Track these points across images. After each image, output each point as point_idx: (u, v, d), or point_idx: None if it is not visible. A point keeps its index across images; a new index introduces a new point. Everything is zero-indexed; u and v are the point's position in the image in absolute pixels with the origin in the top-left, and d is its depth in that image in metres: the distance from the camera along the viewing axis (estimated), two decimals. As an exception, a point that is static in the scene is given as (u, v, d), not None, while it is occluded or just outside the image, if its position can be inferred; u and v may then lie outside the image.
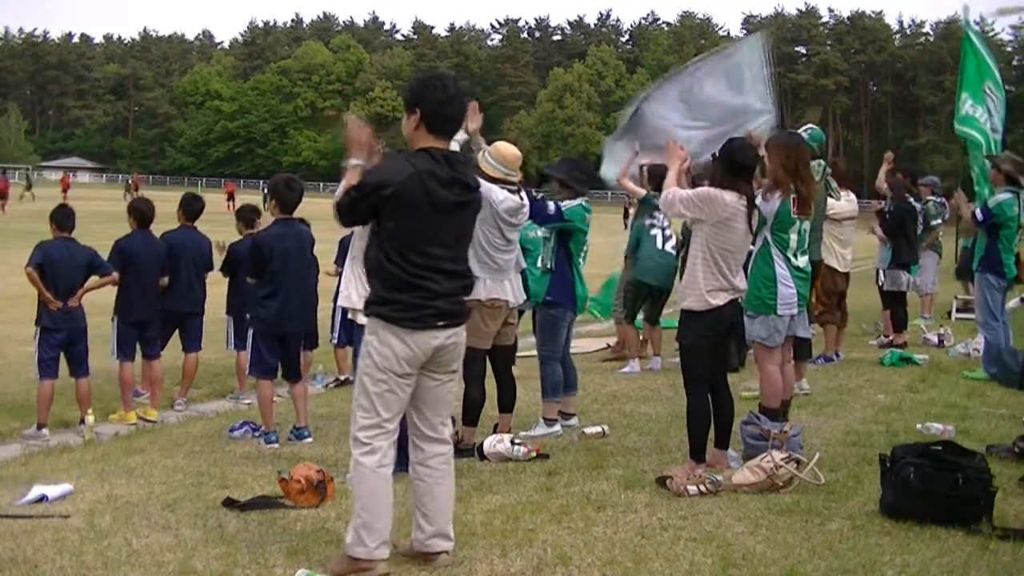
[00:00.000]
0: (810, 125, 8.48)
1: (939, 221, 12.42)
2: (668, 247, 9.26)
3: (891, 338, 10.47)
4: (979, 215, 8.49)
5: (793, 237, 6.02)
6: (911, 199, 10.94)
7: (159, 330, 8.45)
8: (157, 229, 8.46)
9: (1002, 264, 8.48)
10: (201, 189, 53.00)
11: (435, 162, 4.01)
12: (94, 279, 7.93)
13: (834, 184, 8.98)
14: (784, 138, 6.22)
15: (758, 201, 5.80)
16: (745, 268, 5.82)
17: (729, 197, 5.42)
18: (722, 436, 5.67)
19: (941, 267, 13.15)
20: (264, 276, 6.92)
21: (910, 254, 10.62)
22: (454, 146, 5.92)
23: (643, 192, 9.05)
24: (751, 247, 5.82)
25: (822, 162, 8.51)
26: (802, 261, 6.09)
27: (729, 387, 5.73)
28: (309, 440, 6.84)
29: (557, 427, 6.75)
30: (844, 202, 9.53)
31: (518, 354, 6.72)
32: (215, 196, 34.32)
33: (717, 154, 5.67)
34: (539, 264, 6.79)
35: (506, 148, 6.31)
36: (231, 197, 46.51)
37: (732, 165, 5.51)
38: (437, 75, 4.23)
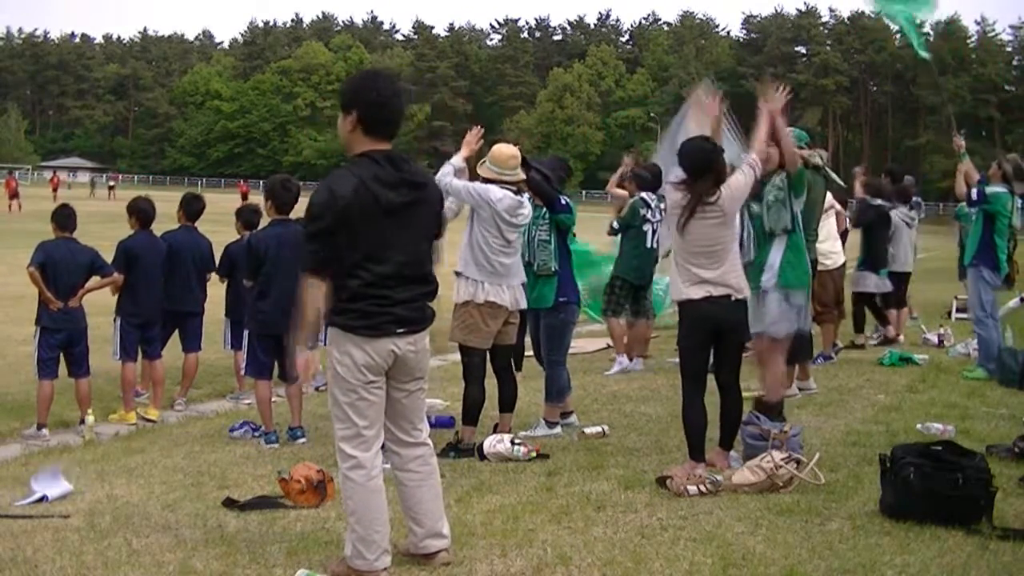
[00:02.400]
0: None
1: (915, 221, 12.21)
2: (654, 243, 9.37)
3: (889, 336, 10.42)
4: (974, 195, 8.41)
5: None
6: (880, 202, 10.61)
7: (160, 330, 8.45)
8: (157, 229, 8.46)
9: (997, 258, 8.44)
10: (201, 189, 53.10)
11: (377, 166, 3.92)
12: (95, 280, 7.93)
13: (833, 176, 8.68)
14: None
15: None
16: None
17: (676, 196, 5.47)
18: (727, 436, 5.68)
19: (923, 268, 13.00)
20: (259, 277, 6.93)
21: (880, 257, 10.48)
22: (447, 169, 5.94)
23: (627, 196, 9.55)
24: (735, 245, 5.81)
25: (824, 153, 8.42)
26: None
27: (740, 389, 5.72)
28: (303, 440, 6.82)
29: (558, 429, 6.75)
30: None
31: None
32: (215, 196, 34.11)
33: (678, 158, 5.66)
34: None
35: (500, 148, 6.30)
36: (245, 197, 46.63)
37: (692, 168, 5.46)
38: (371, 75, 4.10)
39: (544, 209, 6.61)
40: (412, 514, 4.15)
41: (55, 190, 49.20)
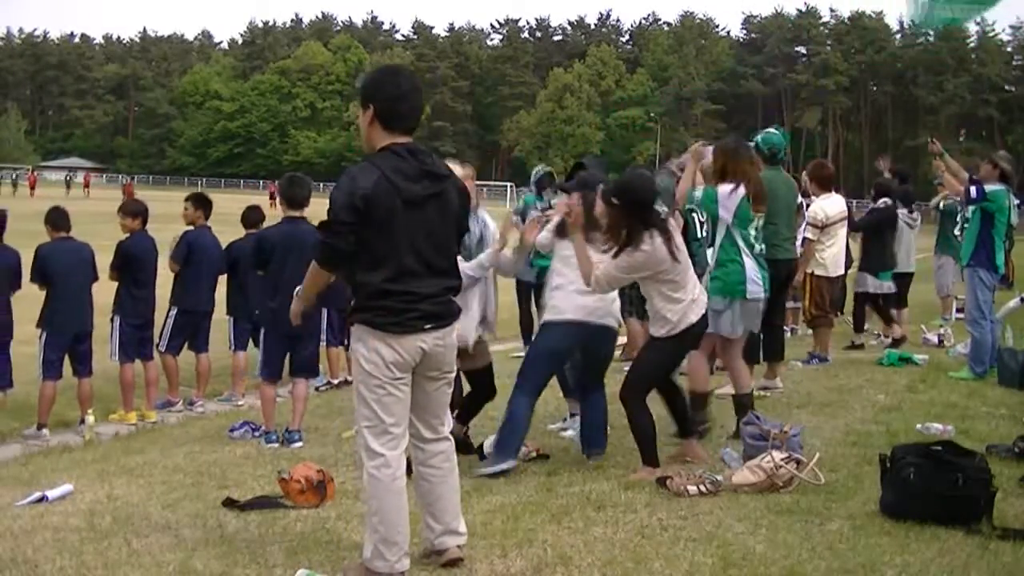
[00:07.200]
0: (770, 130, 8.23)
1: (917, 223, 12.19)
2: None
3: (897, 337, 10.42)
4: (973, 192, 8.26)
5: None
6: (888, 203, 10.64)
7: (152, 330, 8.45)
8: (156, 229, 8.46)
9: (994, 258, 8.40)
10: (201, 189, 53.18)
11: (399, 159, 3.92)
12: None
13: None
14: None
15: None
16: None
17: (659, 247, 5.30)
18: (685, 426, 5.86)
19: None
20: (267, 271, 6.96)
21: (880, 260, 10.47)
22: (473, 266, 5.68)
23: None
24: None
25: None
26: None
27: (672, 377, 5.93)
28: (299, 444, 6.77)
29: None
30: (826, 205, 9.31)
31: (517, 354, 6.65)
32: (215, 196, 34.13)
33: (613, 196, 5.41)
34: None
35: None
36: (273, 196, 46.63)
37: (635, 203, 5.34)
38: (390, 69, 4.17)
39: None
40: (430, 510, 4.14)
41: (32, 188, 54.08)
